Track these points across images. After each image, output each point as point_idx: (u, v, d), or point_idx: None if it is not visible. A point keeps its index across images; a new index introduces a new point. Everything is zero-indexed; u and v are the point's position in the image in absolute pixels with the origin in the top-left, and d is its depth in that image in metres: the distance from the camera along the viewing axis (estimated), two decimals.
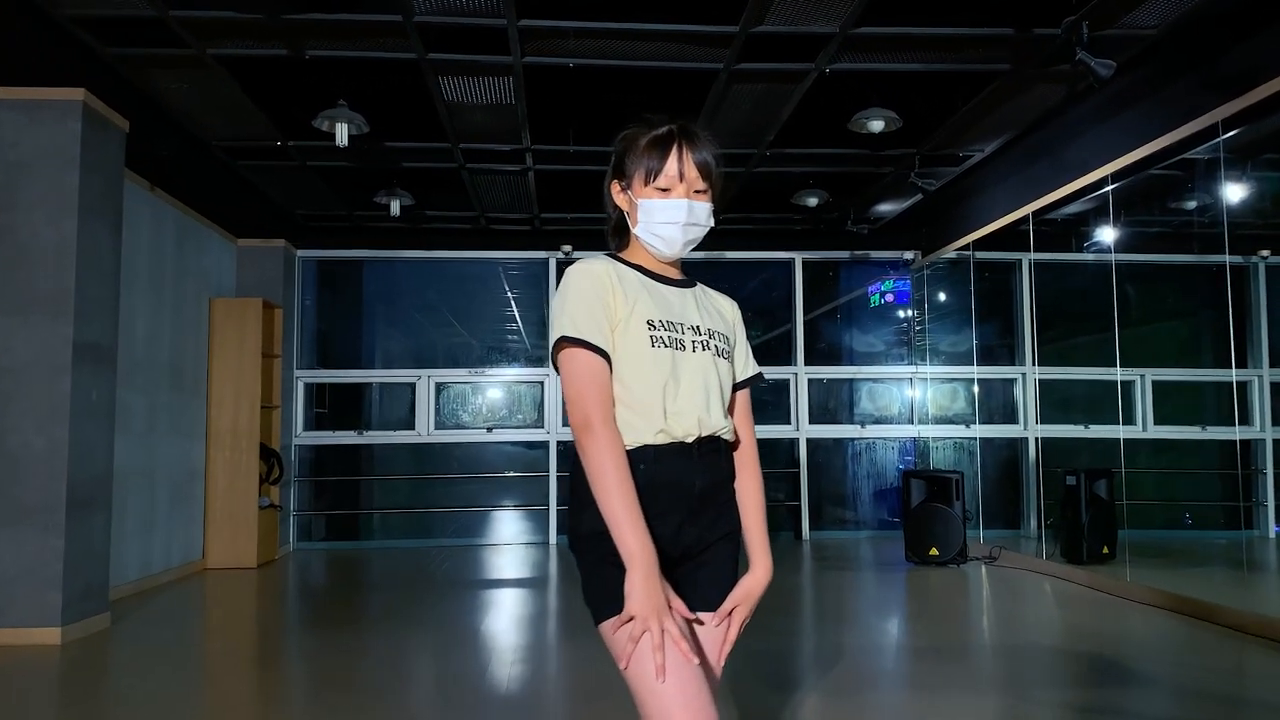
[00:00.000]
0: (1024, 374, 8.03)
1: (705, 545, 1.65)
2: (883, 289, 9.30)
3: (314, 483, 8.79)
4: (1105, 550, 6.57)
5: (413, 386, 8.70)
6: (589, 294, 1.60)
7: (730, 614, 1.66)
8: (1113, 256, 6.15)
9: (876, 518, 9.10)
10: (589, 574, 1.60)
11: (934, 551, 7.09)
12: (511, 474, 8.83)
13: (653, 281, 1.68)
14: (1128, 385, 6.60)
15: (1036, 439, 7.46)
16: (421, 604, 5.66)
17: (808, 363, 9.01)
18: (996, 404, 8.44)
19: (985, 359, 8.53)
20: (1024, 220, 6.92)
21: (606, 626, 1.55)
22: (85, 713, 3.55)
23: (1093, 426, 7.52)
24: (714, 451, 1.66)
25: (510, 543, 8.61)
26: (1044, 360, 7.39)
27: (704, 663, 1.59)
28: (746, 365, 1.80)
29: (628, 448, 1.57)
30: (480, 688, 3.74)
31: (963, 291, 8.27)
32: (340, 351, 9.19)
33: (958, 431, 8.80)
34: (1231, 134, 4.84)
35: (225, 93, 5.21)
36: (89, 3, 4.18)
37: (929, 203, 7.64)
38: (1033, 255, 7.72)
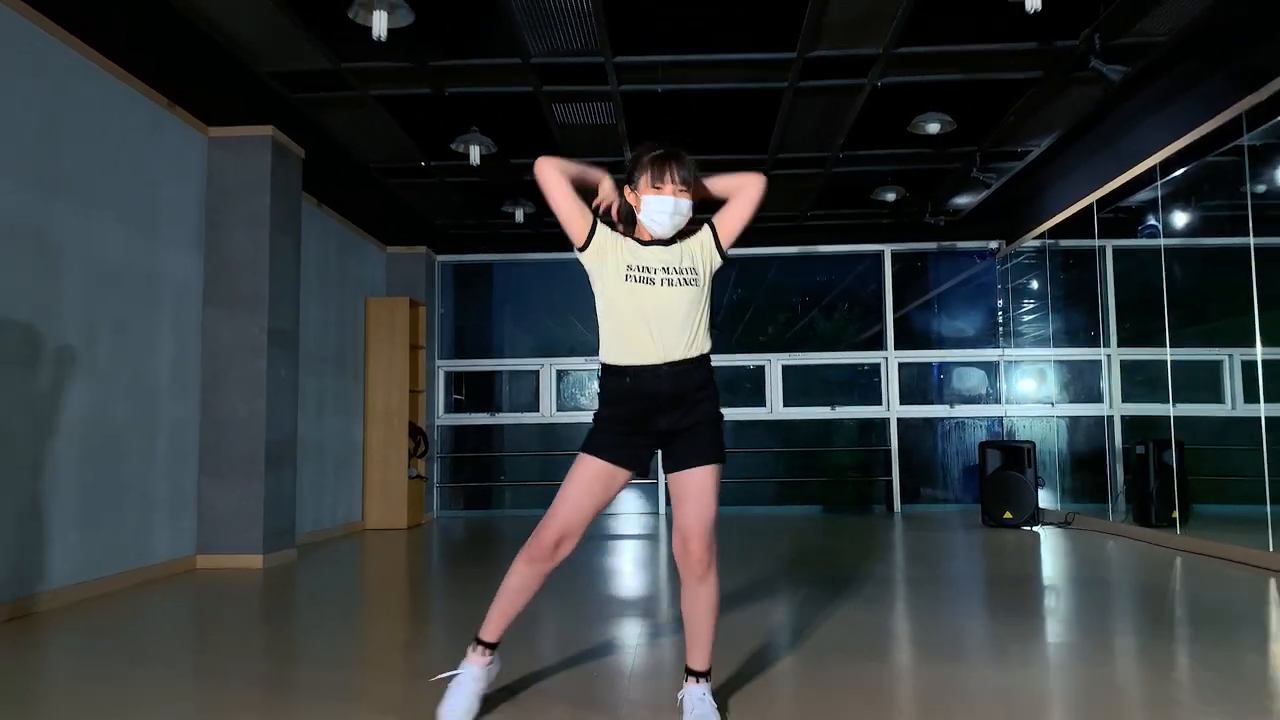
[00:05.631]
0: (1108, 355, 8.51)
1: (680, 428, 2.52)
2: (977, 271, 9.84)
3: (453, 458, 9.99)
4: (1174, 515, 7.02)
5: (537, 374, 9.78)
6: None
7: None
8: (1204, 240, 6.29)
9: (967, 492, 9.64)
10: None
11: (1008, 515, 7.68)
12: None
13: (635, 243, 2.53)
14: (1217, 365, 6.97)
15: (1121, 417, 7.90)
16: None
17: (898, 347, 9.66)
18: (1082, 384, 8.89)
19: (1069, 341, 9.01)
20: (1098, 207, 7.37)
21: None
22: (288, 611, 4.70)
23: (1180, 405, 7.91)
24: (680, 370, 2.49)
25: (622, 512, 9.58)
26: (1133, 342, 7.62)
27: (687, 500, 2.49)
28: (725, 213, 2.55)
29: (616, 363, 2.59)
30: (589, 599, 4.70)
31: (1047, 277, 8.78)
32: (474, 343, 10.39)
33: (1043, 410, 9.30)
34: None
35: (380, 124, 6.35)
36: (281, 60, 5.35)
37: (1005, 194, 8.20)
38: (1116, 242, 8.19)
